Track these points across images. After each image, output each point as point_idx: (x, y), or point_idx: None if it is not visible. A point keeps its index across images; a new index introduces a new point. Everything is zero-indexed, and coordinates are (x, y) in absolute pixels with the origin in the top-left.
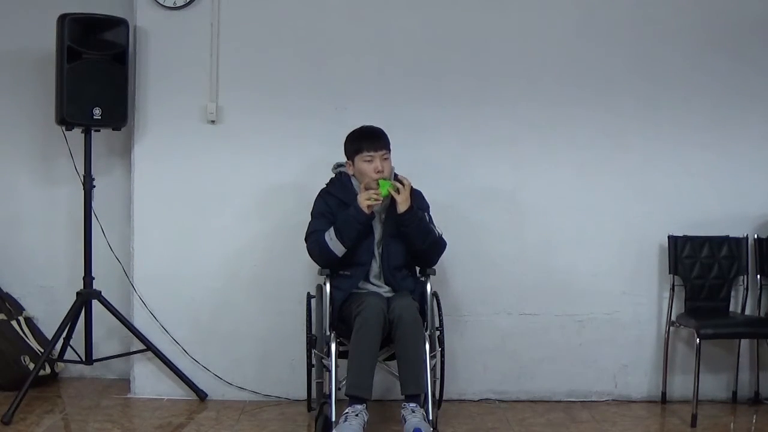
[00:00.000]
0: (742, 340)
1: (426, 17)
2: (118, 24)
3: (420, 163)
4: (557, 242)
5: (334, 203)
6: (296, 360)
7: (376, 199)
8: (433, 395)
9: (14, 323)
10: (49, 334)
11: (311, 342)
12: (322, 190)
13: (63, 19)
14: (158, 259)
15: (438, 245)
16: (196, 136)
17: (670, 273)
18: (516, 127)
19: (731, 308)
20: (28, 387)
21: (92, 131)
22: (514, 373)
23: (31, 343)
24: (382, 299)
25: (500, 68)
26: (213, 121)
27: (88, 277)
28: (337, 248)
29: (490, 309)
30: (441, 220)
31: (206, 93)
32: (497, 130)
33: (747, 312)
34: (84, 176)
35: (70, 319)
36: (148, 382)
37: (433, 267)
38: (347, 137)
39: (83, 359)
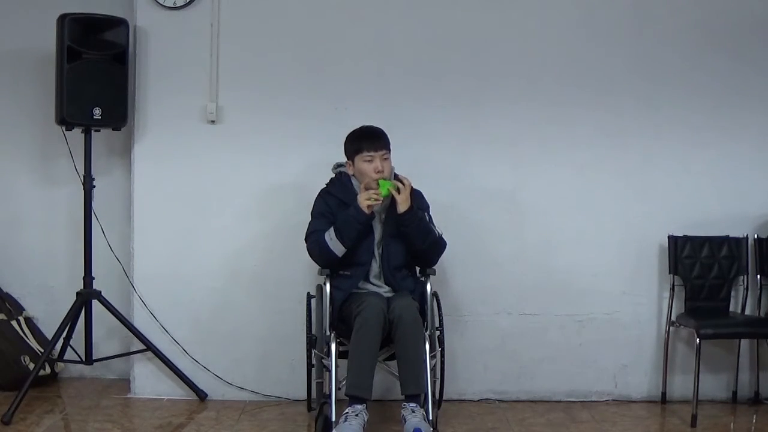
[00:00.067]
0: (742, 340)
1: (426, 17)
2: (118, 24)
3: (420, 163)
4: (557, 242)
5: (334, 203)
6: (296, 360)
7: (376, 199)
8: (433, 395)
9: (14, 323)
10: (49, 334)
11: (311, 342)
12: (322, 190)
13: (63, 19)
14: (158, 259)
15: (438, 245)
16: (196, 136)
17: (670, 273)
18: (516, 127)
19: (731, 308)
20: (28, 387)
21: (92, 131)
22: (514, 373)
23: (31, 343)
24: (382, 299)
25: (500, 68)
26: (213, 121)
27: (88, 277)
28: (337, 248)
29: (490, 309)
30: (441, 220)
31: (206, 93)
32: (497, 130)
33: (747, 312)
34: (84, 176)
35: (70, 319)
36: (148, 382)
37: (433, 267)
38: (347, 137)
39: (83, 359)
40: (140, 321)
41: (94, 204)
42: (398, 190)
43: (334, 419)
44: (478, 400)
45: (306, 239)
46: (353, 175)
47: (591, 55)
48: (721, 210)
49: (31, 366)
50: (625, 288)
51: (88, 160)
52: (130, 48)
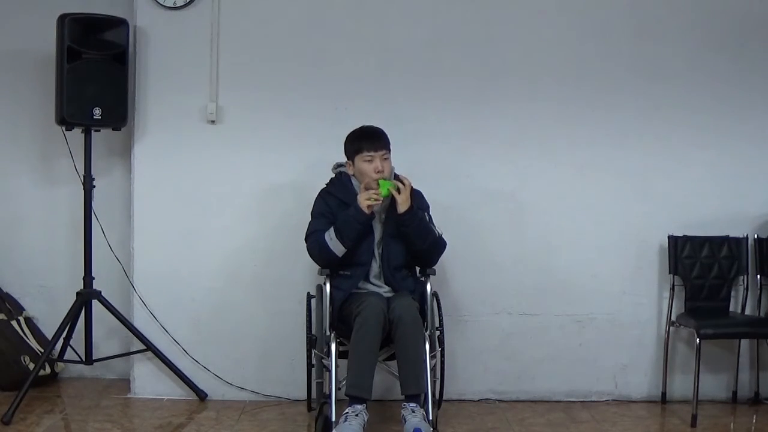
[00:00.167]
0: (742, 340)
1: (426, 17)
2: (118, 24)
3: (420, 163)
4: (557, 242)
5: (334, 203)
6: (296, 360)
7: (376, 199)
8: (433, 395)
9: (14, 323)
10: (49, 334)
11: (311, 342)
12: (322, 190)
13: (63, 19)
14: (158, 259)
15: (438, 245)
16: (196, 136)
17: (670, 273)
18: (516, 127)
19: (731, 308)
20: (28, 387)
21: (92, 131)
22: (514, 373)
23: (31, 343)
24: (382, 299)
25: (500, 68)
26: (213, 121)
27: (88, 277)
28: (337, 248)
29: (490, 309)
30: (441, 220)
31: (206, 93)
32: (497, 130)
33: (747, 312)
34: (84, 176)
35: (70, 319)
36: (148, 382)
37: (433, 267)
38: (347, 137)
39: (83, 359)
40: (140, 321)
41: (94, 204)
42: (398, 190)
43: (334, 419)
44: (478, 400)
45: (306, 239)
46: (353, 175)
47: (591, 55)
48: (721, 210)
49: (31, 366)
50: (625, 288)
51: (88, 160)
52: (130, 48)
